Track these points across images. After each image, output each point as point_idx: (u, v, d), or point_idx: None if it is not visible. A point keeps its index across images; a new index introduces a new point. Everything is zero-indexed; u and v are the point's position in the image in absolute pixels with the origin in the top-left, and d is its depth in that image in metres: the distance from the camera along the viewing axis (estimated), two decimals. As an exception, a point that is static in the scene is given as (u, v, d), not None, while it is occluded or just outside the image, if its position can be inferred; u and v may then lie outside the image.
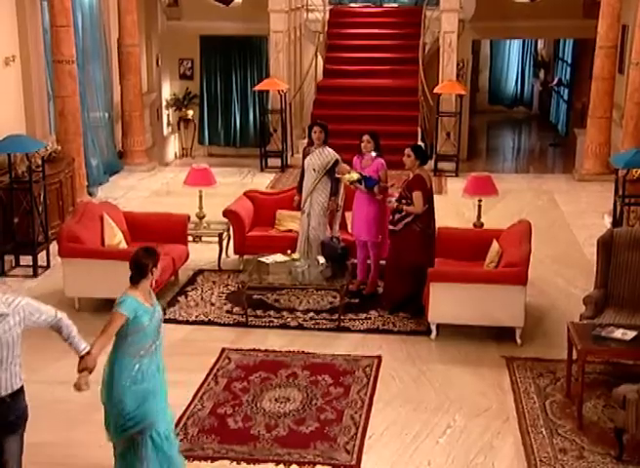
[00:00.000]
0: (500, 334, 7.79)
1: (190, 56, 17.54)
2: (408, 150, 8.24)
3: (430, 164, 13.92)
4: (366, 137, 8.68)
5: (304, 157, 9.12)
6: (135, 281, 5.20)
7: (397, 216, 8.21)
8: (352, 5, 18.34)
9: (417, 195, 8.09)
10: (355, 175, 8.53)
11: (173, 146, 17.86)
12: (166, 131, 17.53)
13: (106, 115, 13.96)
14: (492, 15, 16.09)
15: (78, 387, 4.92)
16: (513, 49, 24.71)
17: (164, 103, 17.32)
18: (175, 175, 14.12)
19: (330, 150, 8.94)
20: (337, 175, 8.82)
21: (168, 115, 17.59)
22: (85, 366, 4.95)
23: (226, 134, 18.00)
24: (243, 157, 16.58)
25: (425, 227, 8.20)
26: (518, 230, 8.31)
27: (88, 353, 4.96)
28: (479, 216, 9.74)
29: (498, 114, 23.92)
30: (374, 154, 8.66)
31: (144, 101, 15.35)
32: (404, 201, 8.17)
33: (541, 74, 24.20)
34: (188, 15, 16.97)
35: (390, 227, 8.33)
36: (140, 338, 5.17)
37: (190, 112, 17.69)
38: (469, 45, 17.26)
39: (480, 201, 9.70)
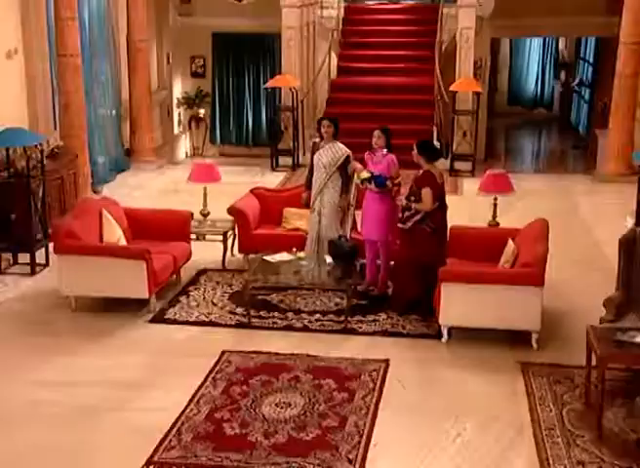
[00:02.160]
0: (515, 338, 7.50)
1: (202, 53, 17.34)
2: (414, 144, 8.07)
3: (446, 163, 13.72)
4: (377, 133, 8.47)
5: (313, 153, 8.89)
6: None
7: (406, 214, 7.92)
8: (368, 2, 18.07)
9: (425, 192, 7.80)
10: (365, 174, 8.31)
11: (184, 145, 17.67)
12: (177, 129, 17.33)
13: (114, 112, 13.75)
14: (511, 12, 15.73)
15: None
16: (534, 48, 24.37)
17: (175, 102, 17.12)
18: (183, 174, 13.81)
19: (341, 146, 8.73)
20: (350, 174, 8.61)
21: (179, 114, 17.41)
22: None
23: (239, 133, 17.79)
24: (255, 157, 16.30)
25: (436, 226, 7.90)
26: (534, 229, 8.03)
27: None
28: (494, 215, 9.44)
29: (517, 116, 23.55)
30: (385, 151, 8.41)
31: (154, 99, 15.16)
32: (413, 198, 7.88)
33: (562, 75, 23.83)
34: (200, 11, 16.78)
35: (400, 225, 8.04)
36: None
37: (202, 111, 17.49)
38: (488, 43, 16.95)
39: (495, 199, 9.43)
